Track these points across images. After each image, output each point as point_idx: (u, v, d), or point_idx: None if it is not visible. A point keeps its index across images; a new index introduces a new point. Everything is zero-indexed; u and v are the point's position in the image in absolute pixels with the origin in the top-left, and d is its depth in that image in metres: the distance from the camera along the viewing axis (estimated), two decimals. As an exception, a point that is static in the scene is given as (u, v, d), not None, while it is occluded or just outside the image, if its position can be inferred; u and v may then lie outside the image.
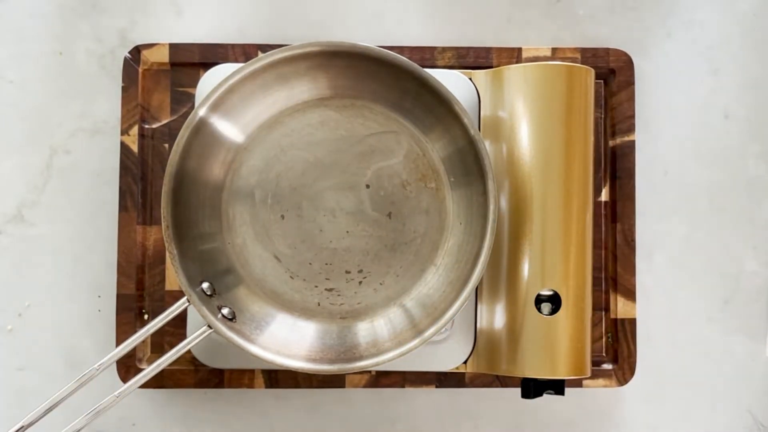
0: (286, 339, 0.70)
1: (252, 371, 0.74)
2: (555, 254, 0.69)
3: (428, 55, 0.76)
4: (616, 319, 0.76)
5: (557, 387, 0.69)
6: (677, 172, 0.78)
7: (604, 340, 0.76)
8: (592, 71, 0.72)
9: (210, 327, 0.65)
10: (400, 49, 0.74)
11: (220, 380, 0.74)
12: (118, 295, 0.74)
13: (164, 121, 0.75)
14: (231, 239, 0.72)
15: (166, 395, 0.76)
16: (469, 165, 0.69)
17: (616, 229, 0.76)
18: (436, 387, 0.75)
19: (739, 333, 0.78)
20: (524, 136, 0.70)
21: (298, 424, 0.76)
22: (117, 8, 0.77)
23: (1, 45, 0.77)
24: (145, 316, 0.75)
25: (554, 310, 0.69)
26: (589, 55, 0.77)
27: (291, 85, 0.70)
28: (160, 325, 0.65)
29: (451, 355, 0.73)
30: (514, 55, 0.76)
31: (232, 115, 0.70)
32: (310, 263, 0.71)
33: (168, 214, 0.68)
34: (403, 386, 0.75)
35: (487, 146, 0.71)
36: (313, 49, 0.68)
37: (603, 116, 0.77)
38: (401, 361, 0.69)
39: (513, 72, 0.71)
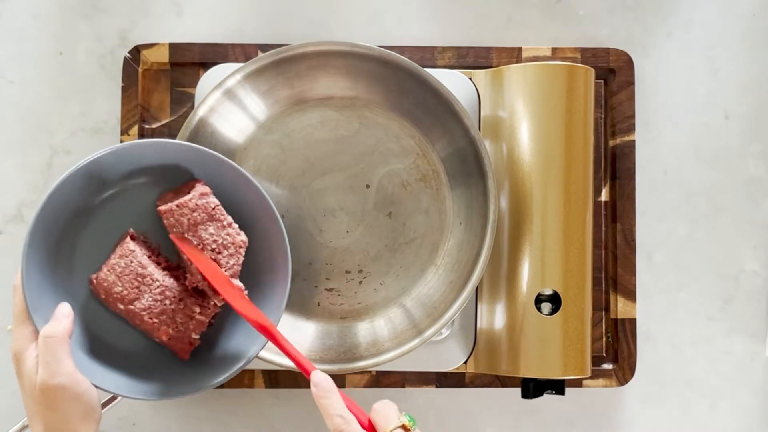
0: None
1: (252, 371, 0.74)
2: (555, 254, 0.69)
3: (428, 55, 0.76)
4: (616, 319, 0.76)
5: (557, 387, 0.70)
6: (677, 172, 0.78)
7: (604, 340, 0.76)
8: (592, 71, 0.72)
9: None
10: (400, 49, 0.74)
11: (220, 380, 0.74)
12: (118, 295, 0.74)
13: (164, 121, 0.75)
14: (231, 239, 0.72)
15: (166, 395, 0.76)
16: (469, 165, 0.69)
17: (616, 229, 0.76)
18: (436, 387, 0.75)
19: (739, 333, 0.78)
20: (524, 136, 0.70)
21: (298, 424, 0.76)
22: (117, 8, 0.77)
23: (1, 45, 0.77)
24: (145, 316, 0.75)
25: (554, 310, 0.69)
26: (589, 55, 0.77)
27: (291, 85, 0.70)
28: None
29: (451, 355, 0.73)
30: (514, 55, 0.76)
31: (232, 115, 0.70)
32: (310, 263, 0.71)
33: (168, 214, 0.68)
34: (403, 386, 0.75)
35: (487, 146, 0.71)
36: (313, 49, 0.68)
37: (603, 116, 0.77)
38: (401, 361, 0.69)
39: (513, 72, 0.71)
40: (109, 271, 0.62)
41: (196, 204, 0.62)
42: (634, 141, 0.77)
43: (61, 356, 0.56)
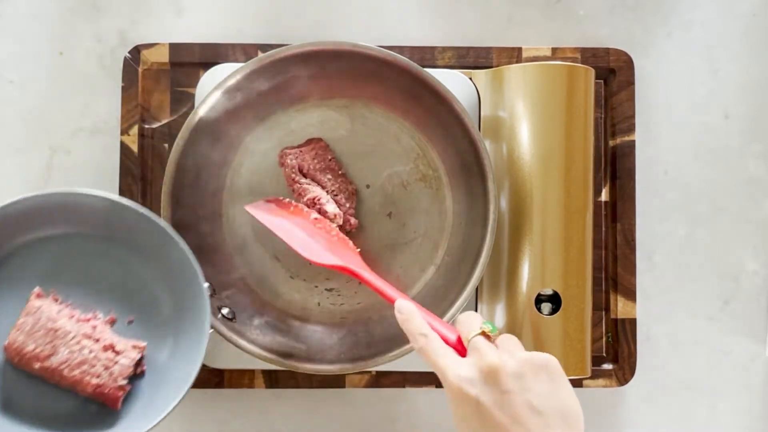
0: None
1: (252, 371, 0.74)
2: (555, 254, 0.69)
3: (428, 55, 0.76)
4: (616, 319, 0.76)
5: (557, 387, 0.69)
6: (677, 172, 0.78)
7: (604, 340, 0.76)
8: (592, 71, 0.72)
9: (210, 327, 0.65)
10: (400, 49, 0.74)
11: (220, 380, 0.74)
12: (118, 295, 0.74)
13: (164, 121, 0.75)
14: (231, 239, 0.72)
15: (166, 395, 0.76)
16: (469, 165, 0.69)
17: (616, 229, 0.76)
18: (436, 387, 0.75)
19: (739, 333, 0.78)
20: (524, 136, 0.70)
21: (298, 424, 0.76)
22: (117, 8, 0.77)
23: (1, 45, 0.77)
24: (145, 316, 0.75)
25: (554, 310, 0.69)
26: (589, 55, 0.77)
27: (291, 85, 0.70)
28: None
29: (451, 355, 0.73)
30: (514, 55, 0.76)
31: (232, 115, 0.70)
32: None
33: (168, 214, 0.68)
34: (403, 386, 0.75)
35: (487, 146, 0.71)
36: (313, 48, 0.68)
37: (603, 116, 0.77)
38: (401, 361, 0.69)
39: (513, 72, 0.71)
40: (17, 331, 0.60)
41: (316, 153, 0.70)
42: (634, 141, 0.77)
43: None
